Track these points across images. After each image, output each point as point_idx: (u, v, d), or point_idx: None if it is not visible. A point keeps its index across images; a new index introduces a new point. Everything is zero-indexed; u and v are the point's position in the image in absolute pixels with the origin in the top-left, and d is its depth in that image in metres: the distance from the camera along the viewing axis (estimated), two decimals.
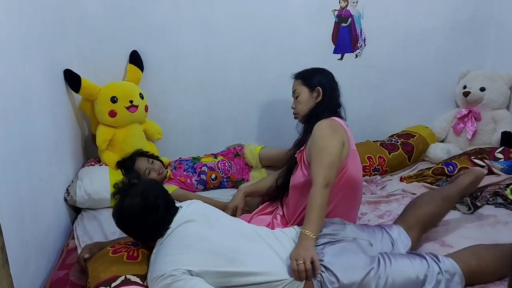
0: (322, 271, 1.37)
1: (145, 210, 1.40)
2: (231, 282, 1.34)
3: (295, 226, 1.61)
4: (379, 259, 1.41)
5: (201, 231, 1.41)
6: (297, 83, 1.88)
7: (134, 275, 1.36)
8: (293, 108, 1.90)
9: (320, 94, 1.80)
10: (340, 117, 1.82)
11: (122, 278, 1.33)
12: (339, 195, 1.68)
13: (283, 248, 1.45)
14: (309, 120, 1.80)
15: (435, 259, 1.43)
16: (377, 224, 1.77)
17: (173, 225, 1.42)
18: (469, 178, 1.79)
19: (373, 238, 1.56)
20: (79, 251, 1.72)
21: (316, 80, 1.83)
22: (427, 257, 1.44)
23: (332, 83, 1.86)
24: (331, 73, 1.90)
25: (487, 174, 2.24)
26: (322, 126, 1.68)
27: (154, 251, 1.40)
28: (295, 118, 1.91)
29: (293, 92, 1.89)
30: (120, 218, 1.44)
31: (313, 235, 1.44)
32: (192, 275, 1.28)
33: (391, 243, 1.58)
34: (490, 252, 1.47)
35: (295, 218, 1.76)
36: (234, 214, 1.87)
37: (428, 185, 2.27)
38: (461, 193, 1.79)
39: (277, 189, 1.92)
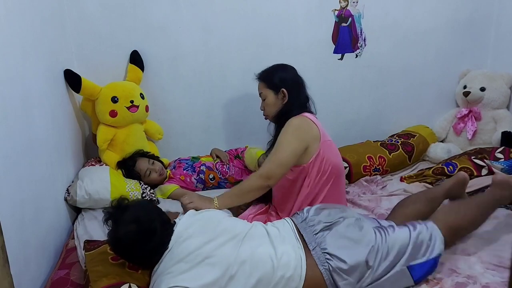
0: (329, 259, 1.39)
1: (142, 236, 1.34)
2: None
3: (287, 218, 1.61)
4: (375, 233, 1.46)
5: (197, 246, 1.36)
6: (262, 86, 1.90)
7: (137, 285, 1.36)
8: (261, 109, 1.94)
9: (286, 95, 1.83)
10: (310, 111, 1.86)
11: (127, 286, 1.33)
12: (321, 181, 1.76)
13: (281, 243, 1.45)
14: (279, 120, 1.84)
15: (416, 223, 1.53)
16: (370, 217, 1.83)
17: (170, 244, 1.38)
18: (452, 180, 1.87)
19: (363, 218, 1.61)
20: (78, 251, 1.73)
21: (279, 81, 1.84)
22: (407, 224, 1.53)
23: (296, 80, 1.87)
24: (293, 69, 1.91)
25: (487, 174, 2.26)
26: (289, 126, 1.74)
27: (155, 268, 1.37)
28: (266, 119, 1.95)
29: (259, 94, 1.92)
30: (117, 247, 1.39)
31: (217, 205, 1.63)
32: None
33: None
34: (464, 205, 1.65)
35: (290, 212, 1.81)
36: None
37: (430, 185, 2.27)
38: (445, 195, 1.86)
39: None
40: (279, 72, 1.89)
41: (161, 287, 1.29)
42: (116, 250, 1.41)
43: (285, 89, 1.82)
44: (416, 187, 2.28)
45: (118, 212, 1.39)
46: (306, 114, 1.80)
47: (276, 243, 1.43)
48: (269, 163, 1.68)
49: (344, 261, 1.37)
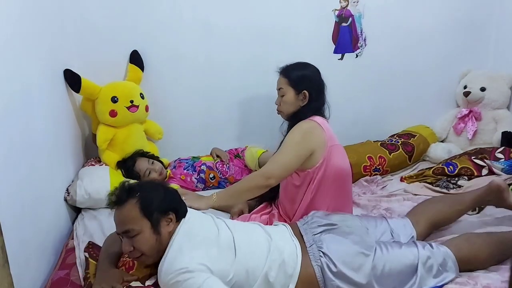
0: (321, 256, 1.40)
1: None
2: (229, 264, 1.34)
3: (286, 224, 1.61)
4: (375, 248, 1.44)
5: (204, 224, 1.43)
6: (283, 82, 1.84)
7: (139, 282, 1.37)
8: (277, 104, 1.89)
9: (306, 98, 1.79)
10: (323, 115, 1.84)
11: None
12: (327, 185, 1.74)
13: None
14: (293, 120, 1.81)
15: (428, 246, 1.48)
16: (380, 215, 1.79)
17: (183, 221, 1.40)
18: (482, 189, 1.74)
19: (370, 225, 1.59)
20: (77, 251, 1.71)
21: (304, 82, 1.80)
22: (418, 244, 1.49)
23: (319, 85, 1.84)
24: (317, 71, 1.87)
25: (487, 174, 2.26)
26: (297, 129, 1.73)
27: (168, 247, 1.35)
28: (278, 113, 1.91)
29: (278, 89, 1.87)
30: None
31: (215, 201, 1.64)
32: (210, 268, 1.28)
33: (390, 232, 1.60)
34: (481, 238, 1.55)
35: (294, 216, 1.79)
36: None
37: (430, 185, 2.27)
38: (474, 204, 1.77)
39: (269, 191, 1.85)
40: (304, 71, 1.83)
41: (181, 264, 1.26)
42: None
43: (307, 92, 1.78)
44: (416, 187, 2.28)
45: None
46: (317, 118, 1.77)
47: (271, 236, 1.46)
48: (272, 163, 1.68)
49: (334, 264, 1.37)
